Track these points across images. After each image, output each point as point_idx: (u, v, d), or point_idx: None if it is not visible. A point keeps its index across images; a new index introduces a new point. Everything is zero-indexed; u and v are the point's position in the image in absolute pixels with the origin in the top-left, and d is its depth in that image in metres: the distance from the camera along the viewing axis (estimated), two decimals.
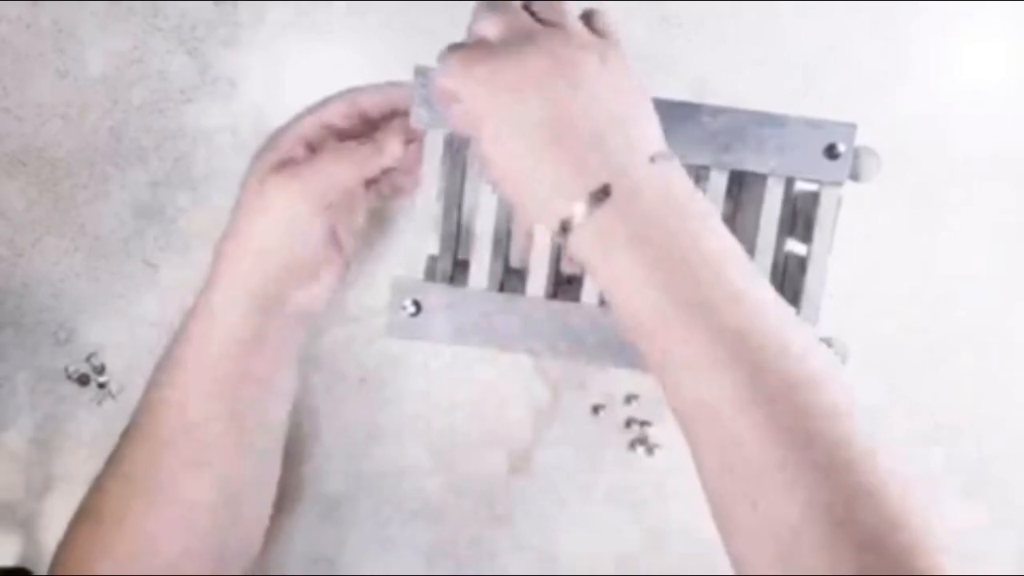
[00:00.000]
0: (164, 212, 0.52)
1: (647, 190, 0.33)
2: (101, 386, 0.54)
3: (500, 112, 0.34)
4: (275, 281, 0.42)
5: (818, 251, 0.42)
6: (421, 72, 0.41)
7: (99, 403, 0.54)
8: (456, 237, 0.48)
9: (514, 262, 0.46)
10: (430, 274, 0.46)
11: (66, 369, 0.53)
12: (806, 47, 0.50)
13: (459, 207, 0.48)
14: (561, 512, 0.54)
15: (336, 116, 0.43)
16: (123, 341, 0.53)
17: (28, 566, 0.54)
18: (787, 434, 0.31)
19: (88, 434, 0.54)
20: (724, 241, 0.35)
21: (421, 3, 0.50)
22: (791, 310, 0.35)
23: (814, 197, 0.43)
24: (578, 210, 0.33)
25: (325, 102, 0.43)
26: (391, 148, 0.42)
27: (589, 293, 0.43)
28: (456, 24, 0.50)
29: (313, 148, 0.42)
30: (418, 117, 0.41)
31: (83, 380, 0.54)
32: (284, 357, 0.45)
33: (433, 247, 0.47)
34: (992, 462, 0.53)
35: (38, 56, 0.51)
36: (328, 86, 0.51)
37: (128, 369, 0.53)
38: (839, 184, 0.42)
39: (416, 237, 0.42)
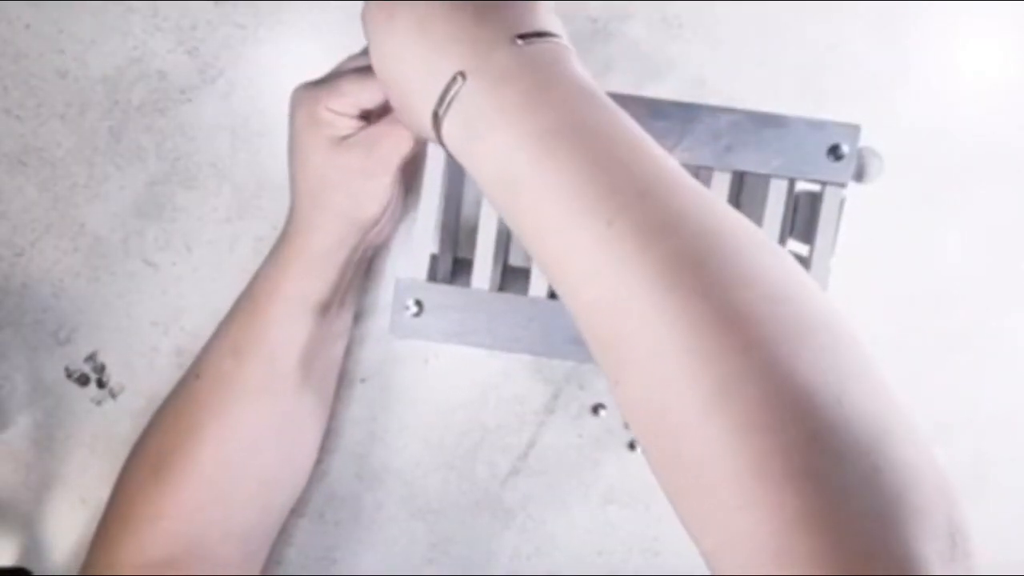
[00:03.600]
0: (164, 212, 0.52)
1: (513, 72, 0.31)
2: (101, 386, 0.54)
3: (379, 16, 0.34)
4: (356, 236, 0.45)
5: (820, 252, 0.42)
6: None
7: (99, 403, 0.54)
8: (456, 236, 0.48)
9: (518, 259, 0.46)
10: (432, 274, 0.46)
11: (66, 369, 0.53)
12: (806, 47, 0.50)
13: (459, 206, 0.48)
14: (561, 512, 0.54)
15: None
16: (123, 341, 0.53)
17: (28, 566, 0.54)
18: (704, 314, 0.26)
19: (88, 434, 0.54)
20: (614, 116, 0.31)
21: None
22: (742, 218, 0.30)
23: (816, 198, 0.42)
24: (438, 102, 0.32)
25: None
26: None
27: None
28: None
29: (365, 115, 0.43)
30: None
31: (83, 380, 0.53)
32: (353, 292, 0.49)
33: (435, 247, 0.47)
34: (992, 462, 0.53)
35: (38, 56, 0.51)
36: None
37: (128, 369, 0.53)
38: (843, 185, 0.41)
39: (419, 236, 0.42)
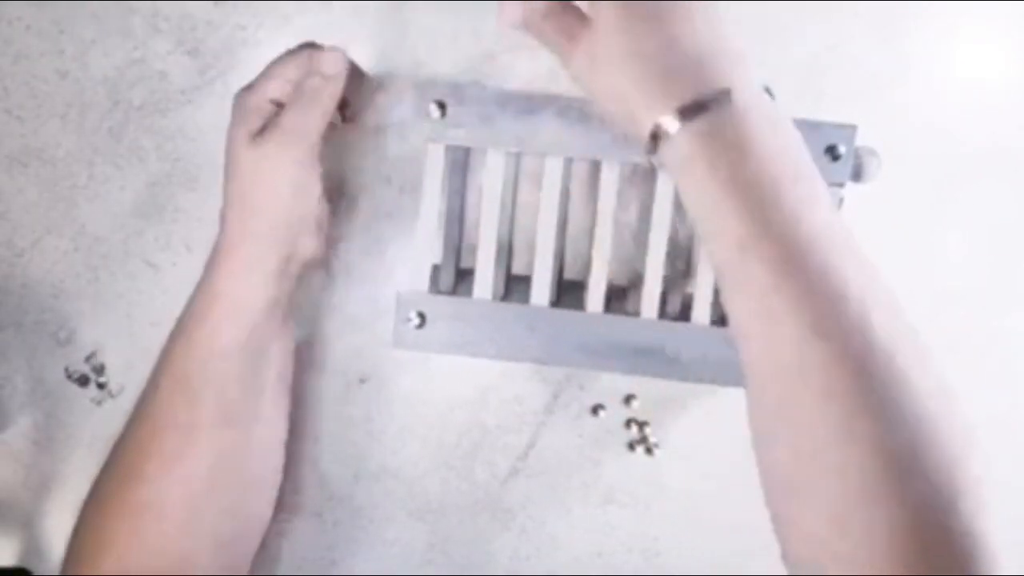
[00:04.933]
0: (164, 212, 0.52)
1: (740, 117, 0.34)
2: (101, 386, 0.54)
3: (620, 29, 0.35)
4: (286, 241, 0.43)
5: None
6: (421, 87, 0.41)
7: (99, 403, 0.54)
8: (459, 246, 0.48)
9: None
10: (435, 284, 0.46)
11: (66, 369, 0.53)
12: (805, 47, 0.50)
13: (462, 216, 0.48)
14: (561, 512, 0.54)
15: (295, 71, 0.44)
16: (123, 341, 0.53)
17: (28, 566, 0.54)
18: (851, 366, 0.31)
19: (88, 434, 0.54)
20: (812, 186, 0.35)
21: (420, 3, 0.50)
22: (875, 270, 0.35)
23: None
24: (668, 122, 0.34)
25: (284, 59, 0.44)
26: (330, 65, 0.43)
27: (594, 301, 0.43)
28: (456, 24, 0.50)
29: (280, 104, 0.43)
30: (420, 131, 0.42)
31: (83, 380, 0.54)
32: (290, 310, 0.47)
33: (437, 257, 0.46)
34: (992, 463, 0.53)
35: (38, 56, 0.51)
36: None
37: (128, 369, 0.53)
38: (840, 185, 0.41)
39: (419, 247, 0.43)
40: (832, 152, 0.41)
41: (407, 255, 0.51)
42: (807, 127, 0.41)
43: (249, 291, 0.43)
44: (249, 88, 0.44)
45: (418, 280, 0.43)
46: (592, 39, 0.36)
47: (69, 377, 0.54)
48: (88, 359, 0.53)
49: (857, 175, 0.41)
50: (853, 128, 0.41)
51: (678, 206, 0.43)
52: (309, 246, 0.45)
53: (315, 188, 0.44)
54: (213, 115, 0.51)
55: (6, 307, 0.53)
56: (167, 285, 0.53)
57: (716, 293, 0.49)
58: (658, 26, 0.35)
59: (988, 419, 0.53)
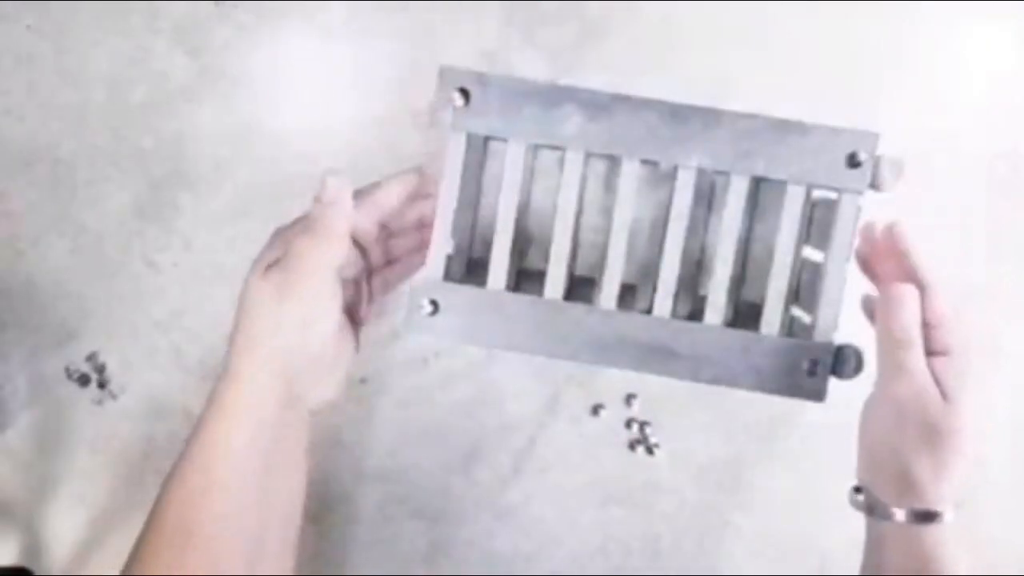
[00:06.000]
0: (164, 212, 0.52)
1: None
2: (101, 386, 0.54)
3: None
4: (296, 379, 0.40)
5: (836, 259, 0.42)
6: (447, 72, 0.41)
7: (99, 403, 0.54)
8: (472, 237, 0.48)
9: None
10: (447, 273, 0.46)
11: (66, 369, 0.54)
12: (807, 48, 0.50)
13: (476, 208, 0.48)
14: (561, 512, 0.54)
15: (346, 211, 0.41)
16: (123, 341, 0.53)
17: (28, 566, 0.54)
18: None
19: (88, 434, 0.54)
20: None
21: (420, 3, 0.50)
22: None
23: (833, 205, 0.42)
24: (948, 512, 0.38)
25: (334, 200, 0.41)
26: (329, 192, 0.40)
27: (607, 297, 0.43)
28: (455, 25, 0.50)
29: None
30: (441, 120, 0.42)
31: (83, 380, 0.54)
32: (303, 443, 0.43)
33: (451, 248, 0.47)
34: (992, 463, 0.53)
35: (39, 57, 0.51)
36: (327, 86, 0.51)
37: (128, 369, 0.53)
38: (859, 193, 0.41)
39: (436, 236, 0.42)
40: (852, 160, 0.41)
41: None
42: (828, 132, 0.41)
43: (242, 435, 0.39)
44: (284, 225, 0.42)
45: (433, 268, 0.43)
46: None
47: (70, 377, 0.54)
48: (89, 359, 0.53)
49: (876, 183, 0.41)
50: (875, 136, 0.40)
51: (694, 207, 0.43)
52: (321, 387, 0.42)
53: (326, 325, 0.40)
54: (213, 115, 0.51)
55: (7, 307, 0.53)
56: (167, 285, 0.53)
57: (728, 294, 0.49)
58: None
59: (988, 419, 0.53)
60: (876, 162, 0.41)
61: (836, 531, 0.53)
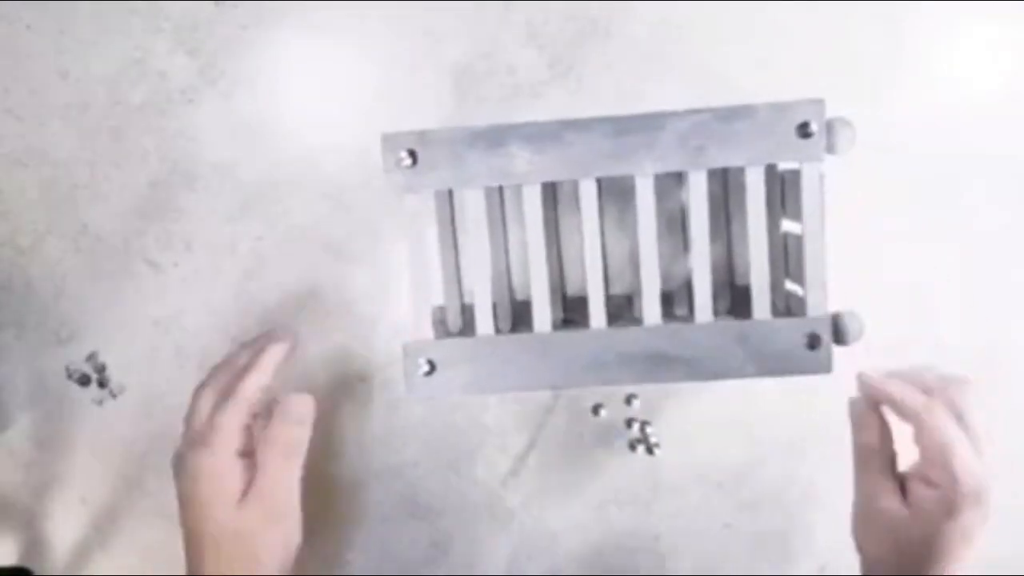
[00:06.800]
0: (164, 212, 0.52)
1: None
2: (101, 386, 0.54)
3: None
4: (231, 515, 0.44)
5: (811, 227, 0.42)
6: (389, 139, 0.42)
7: (99, 403, 0.54)
8: (460, 283, 0.48)
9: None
10: (443, 325, 0.46)
11: (67, 369, 0.54)
12: (806, 47, 0.50)
13: (456, 255, 0.48)
14: (561, 512, 0.54)
15: (221, 385, 0.45)
16: (123, 341, 0.53)
17: (28, 565, 0.54)
18: None
19: (88, 434, 0.54)
20: None
21: (420, 3, 0.50)
22: None
23: (798, 176, 0.43)
24: None
25: (211, 377, 0.46)
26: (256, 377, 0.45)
27: (596, 317, 0.43)
28: (454, 25, 0.50)
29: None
30: (395, 182, 0.42)
31: (83, 380, 0.54)
32: None
33: (438, 298, 0.47)
34: (991, 463, 0.53)
35: (39, 56, 0.51)
36: (327, 86, 0.51)
37: (128, 369, 0.53)
38: (819, 160, 0.42)
39: (415, 296, 0.43)
40: (804, 129, 0.41)
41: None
42: (774, 109, 0.41)
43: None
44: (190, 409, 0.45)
45: (421, 328, 0.43)
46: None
47: (70, 377, 0.54)
48: (89, 359, 0.54)
49: (831, 148, 0.42)
50: (821, 102, 0.41)
51: (660, 217, 0.44)
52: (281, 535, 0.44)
53: (238, 479, 0.43)
54: (214, 115, 0.51)
55: (7, 307, 0.53)
56: (167, 285, 0.53)
57: (720, 287, 0.49)
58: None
59: (987, 419, 0.53)
60: (828, 127, 0.41)
61: (836, 531, 0.53)
